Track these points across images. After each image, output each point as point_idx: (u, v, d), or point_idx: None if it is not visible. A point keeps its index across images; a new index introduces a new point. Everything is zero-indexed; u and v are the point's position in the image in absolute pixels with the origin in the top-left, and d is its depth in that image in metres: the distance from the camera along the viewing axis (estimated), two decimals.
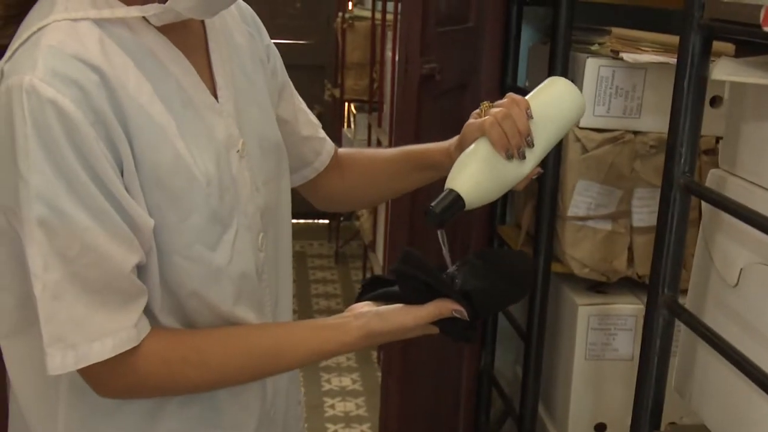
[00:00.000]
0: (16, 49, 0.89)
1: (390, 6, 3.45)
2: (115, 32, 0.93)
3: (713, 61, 1.21)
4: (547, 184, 1.92)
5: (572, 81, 1.92)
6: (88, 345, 0.89)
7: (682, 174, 1.24)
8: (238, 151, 1.03)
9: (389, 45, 3.38)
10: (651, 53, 1.82)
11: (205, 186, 0.96)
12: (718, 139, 1.85)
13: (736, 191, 1.23)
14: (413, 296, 1.03)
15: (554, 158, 1.90)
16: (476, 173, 1.03)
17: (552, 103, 1.11)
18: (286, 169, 1.15)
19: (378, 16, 3.81)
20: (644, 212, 1.93)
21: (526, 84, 2.33)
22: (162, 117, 0.94)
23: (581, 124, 1.89)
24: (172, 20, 0.95)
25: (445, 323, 1.03)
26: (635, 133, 1.90)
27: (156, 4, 0.93)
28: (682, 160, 1.24)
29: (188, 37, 1.01)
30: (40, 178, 0.84)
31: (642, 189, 1.93)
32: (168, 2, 0.92)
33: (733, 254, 1.23)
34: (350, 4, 4.67)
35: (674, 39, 1.25)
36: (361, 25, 4.21)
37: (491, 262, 1.05)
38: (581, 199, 1.91)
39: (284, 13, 5.21)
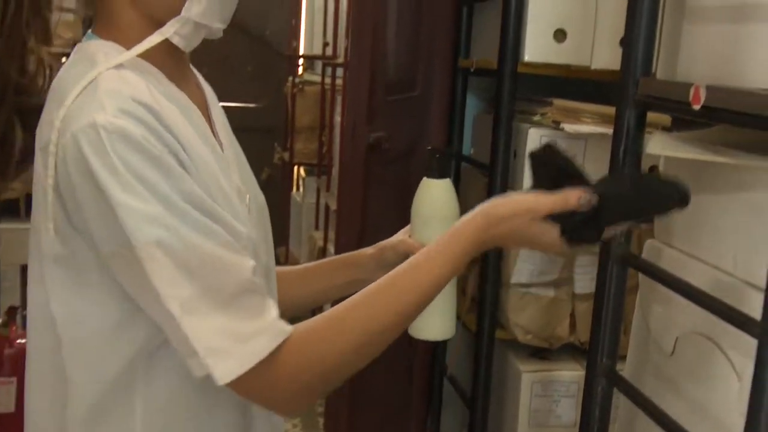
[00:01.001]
0: (69, 104, 0.91)
1: (340, 71, 3.49)
2: (152, 80, 0.96)
3: (650, 132, 1.25)
4: (491, 252, 1.94)
5: (515, 151, 1.97)
6: (242, 347, 0.89)
7: (619, 245, 1.27)
8: (246, 204, 1.04)
9: (339, 110, 3.42)
10: (591, 124, 1.87)
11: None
12: None
13: (672, 262, 1.26)
14: (546, 184, 1.01)
15: None
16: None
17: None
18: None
19: (328, 81, 3.85)
20: (586, 279, 1.96)
21: (472, 151, 2.37)
22: (208, 157, 0.97)
23: None
24: (192, 35, 0.98)
25: (566, 221, 0.99)
26: None
27: (172, 21, 0.96)
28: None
29: (192, 94, 1.04)
30: (141, 202, 0.86)
31: (583, 256, 1.96)
32: (181, 14, 0.95)
33: (668, 323, 1.26)
34: (301, 68, 4.72)
35: (613, 110, 1.29)
36: (311, 89, 4.25)
37: (637, 178, 1.05)
38: (524, 266, 1.93)
39: (236, 76, 5.25)
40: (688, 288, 1.12)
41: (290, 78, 4.57)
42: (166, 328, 0.90)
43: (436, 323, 1.17)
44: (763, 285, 0.90)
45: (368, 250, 1.24)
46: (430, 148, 1.22)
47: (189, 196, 0.89)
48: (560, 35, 1.89)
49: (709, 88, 1.03)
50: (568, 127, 1.84)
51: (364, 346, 0.97)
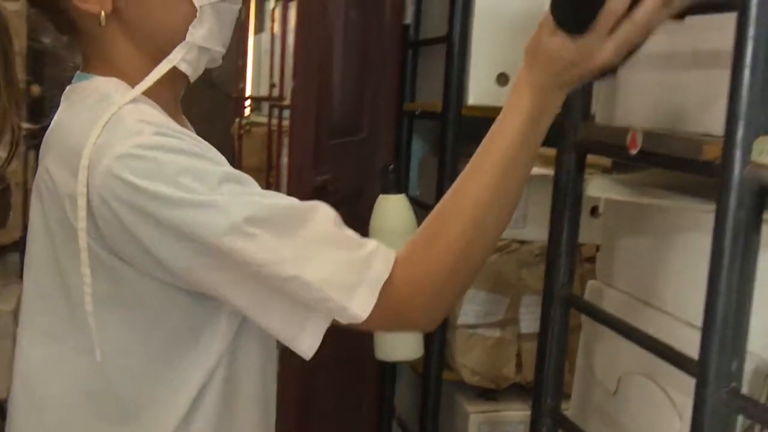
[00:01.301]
0: (95, 141, 0.90)
1: (286, 113, 3.51)
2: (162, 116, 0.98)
3: (591, 173, 1.28)
4: None
5: None
6: (367, 273, 0.89)
7: (562, 286, 1.28)
8: None
9: (285, 151, 3.43)
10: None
11: None
12: (598, 248, 1.93)
13: (613, 302, 1.28)
14: None
15: None
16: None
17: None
18: None
19: (275, 122, 3.86)
20: (531, 319, 1.98)
21: (418, 194, 2.38)
22: None
23: None
24: (197, 61, 1.00)
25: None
26: (521, 242, 1.97)
27: (178, 48, 0.98)
28: (561, 273, 1.28)
29: None
30: (205, 195, 0.86)
31: (528, 296, 1.98)
32: (187, 38, 0.98)
33: (611, 362, 1.28)
34: (248, 110, 4.72)
35: (554, 152, 1.31)
36: (258, 131, 4.25)
37: None
38: (471, 307, 1.95)
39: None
40: (628, 328, 1.14)
41: (237, 119, 4.57)
42: (283, 302, 0.90)
43: (403, 343, 1.18)
44: (700, 324, 0.92)
45: None
46: (384, 165, 1.23)
47: (239, 177, 0.91)
48: (503, 79, 1.93)
49: (646, 134, 1.06)
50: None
51: (471, 232, 0.93)
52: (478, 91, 1.93)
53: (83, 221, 0.90)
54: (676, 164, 1.00)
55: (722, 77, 0.89)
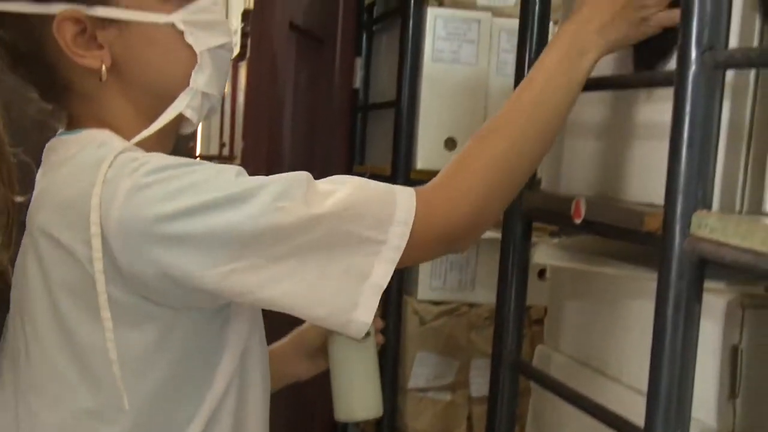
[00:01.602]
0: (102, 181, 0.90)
1: None
2: None
3: (539, 236, 1.30)
4: (388, 357, 1.95)
5: None
6: (393, 209, 0.92)
7: (510, 352, 1.29)
8: None
9: None
10: None
11: None
12: (546, 309, 1.94)
13: (561, 368, 1.29)
14: None
15: (393, 331, 1.94)
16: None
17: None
18: None
19: None
20: (481, 383, 1.98)
21: None
22: None
23: (419, 297, 1.95)
24: (200, 106, 1.03)
25: None
26: (470, 305, 1.98)
27: (183, 95, 1.00)
28: (509, 339, 1.29)
29: None
30: (232, 186, 0.89)
31: (478, 359, 1.98)
32: (191, 84, 1.00)
33: (560, 428, 1.28)
34: None
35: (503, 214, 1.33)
36: None
37: None
38: (421, 370, 1.95)
39: None
40: (575, 395, 1.14)
41: None
42: (330, 278, 0.91)
43: (363, 401, 1.17)
44: (645, 390, 0.93)
45: (282, 341, 1.23)
46: None
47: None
48: (451, 143, 1.95)
49: (589, 203, 1.08)
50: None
51: (509, 153, 1.00)
52: (426, 155, 1.95)
53: (99, 262, 0.89)
54: (618, 234, 1.02)
55: (662, 147, 0.92)
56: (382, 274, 0.92)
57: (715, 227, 0.81)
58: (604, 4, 1.03)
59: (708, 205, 0.86)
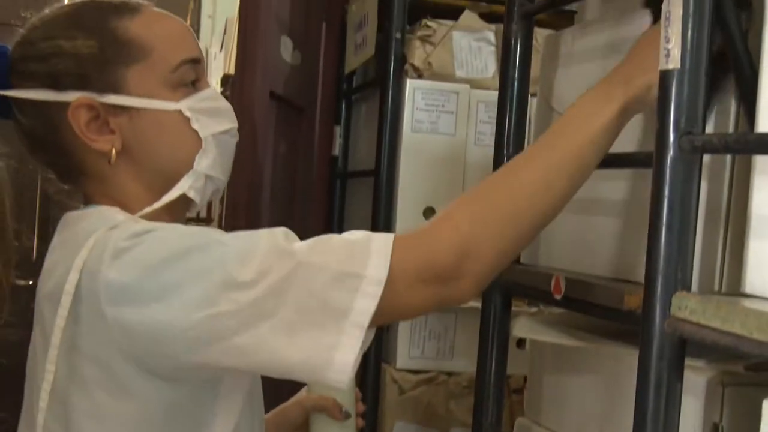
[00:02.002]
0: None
1: None
2: None
3: (518, 306, 1.30)
4: (366, 427, 1.93)
5: (387, 325, 2.00)
6: (368, 244, 0.91)
7: (490, 425, 1.29)
8: None
9: None
10: None
11: None
12: (526, 378, 1.94)
13: None
14: None
15: (372, 400, 1.93)
16: None
17: None
18: None
19: None
20: None
21: None
22: None
23: (397, 366, 1.94)
24: (204, 188, 1.08)
25: None
26: (449, 374, 1.97)
27: (186, 177, 1.06)
28: (489, 411, 1.29)
29: None
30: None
31: (457, 428, 1.97)
32: (194, 167, 1.06)
33: None
34: None
35: None
36: None
37: None
38: None
39: None
40: None
41: None
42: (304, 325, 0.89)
43: None
44: None
45: (265, 416, 1.22)
46: None
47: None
48: (430, 213, 1.97)
49: (569, 280, 1.09)
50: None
51: (539, 186, 0.96)
52: (406, 224, 1.96)
53: (63, 319, 0.92)
54: (598, 311, 1.03)
55: (640, 224, 0.93)
56: (363, 310, 0.88)
57: (696, 309, 0.82)
58: (644, 62, 0.96)
59: (687, 286, 0.87)
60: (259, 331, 0.88)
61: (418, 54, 1.96)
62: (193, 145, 1.06)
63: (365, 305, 0.88)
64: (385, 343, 1.99)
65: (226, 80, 3.13)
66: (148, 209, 1.04)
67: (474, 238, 0.92)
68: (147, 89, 1.04)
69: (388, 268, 0.88)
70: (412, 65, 1.96)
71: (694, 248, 0.88)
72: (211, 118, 1.07)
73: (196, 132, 1.06)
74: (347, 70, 2.29)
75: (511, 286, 1.26)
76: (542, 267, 1.27)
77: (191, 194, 1.07)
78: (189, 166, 1.06)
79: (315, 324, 0.88)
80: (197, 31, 4.37)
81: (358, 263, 0.89)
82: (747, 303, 0.84)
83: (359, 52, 2.13)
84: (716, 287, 0.97)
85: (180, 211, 1.11)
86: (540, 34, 2.07)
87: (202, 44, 4.02)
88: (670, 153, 0.86)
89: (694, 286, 0.92)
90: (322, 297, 0.88)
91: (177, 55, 1.06)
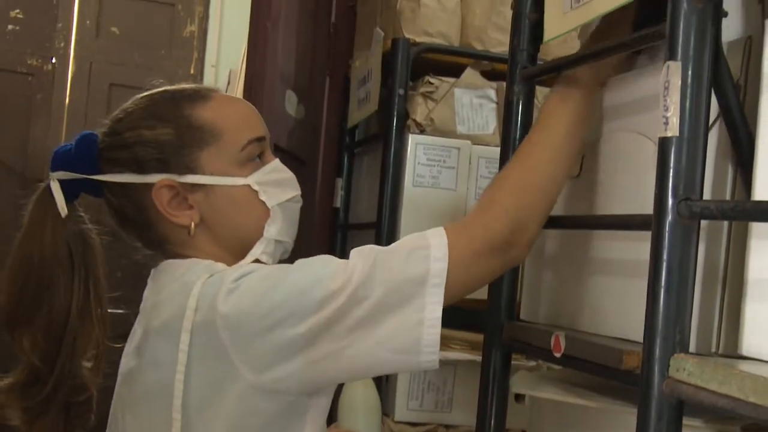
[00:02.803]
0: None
1: None
2: None
3: (518, 359, 1.31)
4: None
5: (387, 376, 2.01)
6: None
7: None
8: None
9: None
10: (460, 351, 1.94)
11: None
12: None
13: None
14: None
15: None
16: None
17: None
18: None
19: None
20: None
21: None
22: None
23: (396, 418, 1.94)
24: (274, 252, 1.21)
25: None
26: (447, 426, 1.97)
27: (258, 243, 1.19)
28: None
29: None
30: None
31: None
32: (264, 234, 1.19)
33: None
34: None
35: (481, 337, 1.35)
36: None
37: None
38: None
39: None
40: None
41: None
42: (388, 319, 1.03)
43: None
44: None
45: None
46: None
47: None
48: None
49: (568, 338, 1.10)
50: (439, 353, 1.90)
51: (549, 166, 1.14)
52: None
53: (184, 354, 1.05)
54: (597, 370, 1.04)
55: (639, 285, 0.95)
56: (438, 272, 1.05)
57: (693, 372, 0.84)
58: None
59: (685, 348, 0.89)
60: (356, 318, 1.02)
61: (420, 110, 2.00)
62: (263, 214, 1.19)
63: (439, 267, 1.04)
64: (383, 394, 1.99)
65: None
66: (247, 260, 1.18)
67: (519, 217, 1.09)
68: (219, 168, 1.17)
69: (448, 246, 1.05)
70: (415, 121, 2.00)
71: (692, 310, 0.90)
72: (276, 188, 1.20)
73: (264, 203, 1.18)
74: (350, 124, 2.32)
75: (512, 343, 1.27)
76: (543, 324, 1.29)
77: (263, 258, 1.19)
78: (260, 232, 1.19)
79: (402, 298, 1.03)
80: (200, 80, 4.42)
81: (422, 242, 1.06)
82: (744, 366, 0.85)
83: (362, 106, 2.16)
84: (714, 348, 0.99)
85: None
86: (541, 92, 2.12)
87: None
88: (669, 218, 0.88)
89: (692, 347, 0.94)
90: (402, 272, 1.04)
91: (244, 135, 1.19)
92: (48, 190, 1.19)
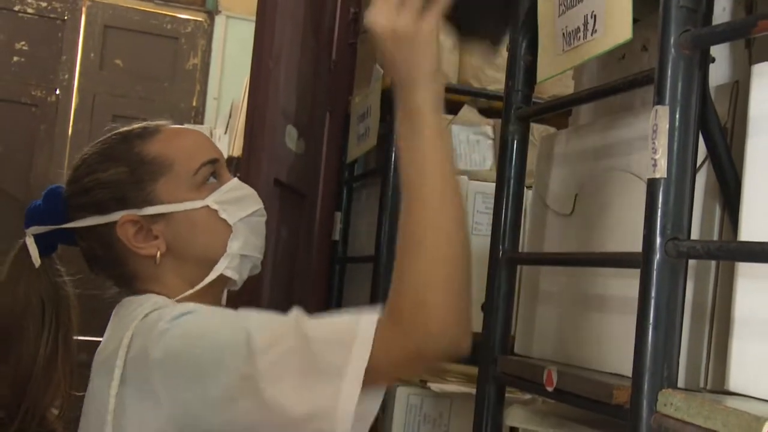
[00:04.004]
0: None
1: None
2: None
3: (512, 392, 1.33)
4: None
5: (383, 408, 2.02)
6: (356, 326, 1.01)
7: None
8: None
9: None
10: (456, 383, 1.95)
11: None
12: None
13: None
14: None
15: None
16: None
17: None
18: None
19: None
20: None
21: None
22: None
23: None
24: (240, 267, 1.23)
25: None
26: None
27: (222, 259, 1.21)
28: None
29: None
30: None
31: None
32: (227, 251, 1.21)
33: None
34: None
35: (476, 370, 1.36)
36: None
37: None
38: None
39: None
40: None
41: None
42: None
43: None
44: None
45: None
46: None
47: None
48: None
49: (560, 373, 1.13)
50: (434, 386, 1.92)
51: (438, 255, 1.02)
52: None
53: (114, 389, 1.08)
54: (589, 405, 1.06)
55: (629, 320, 0.97)
56: (357, 366, 1.00)
57: (680, 407, 0.86)
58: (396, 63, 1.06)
59: (673, 383, 0.91)
60: (275, 387, 1.00)
61: None
62: (225, 232, 1.22)
63: (359, 362, 1.00)
64: (379, 426, 2.00)
65: (230, 162, 3.20)
66: (189, 291, 1.21)
67: (449, 318, 1.01)
68: (176, 195, 1.21)
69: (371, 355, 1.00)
70: None
71: (680, 346, 0.92)
72: (235, 206, 1.23)
73: (225, 221, 1.21)
74: (349, 159, 2.36)
75: (506, 377, 1.29)
76: (536, 359, 1.31)
77: (228, 273, 1.22)
78: (224, 251, 1.21)
79: (320, 377, 1.00)
80: (203, 112, 4.47)
81: (348, 337, 1.01)
82: (730, 401, 0.88)
83: (362, 142, 2.20)
84: (702, 384, 1.01)
85: (219, 291, 1.28)
86: (537, 129, 2.16)
87: (206, 126, 4.12)
88: (657, 257, 0.91)
89: (681, 382, 0.96)
90: (322, 357, 1.01)
91: (195, 160, 1.22)
92: (24, 245, 1.25)
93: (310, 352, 1.01)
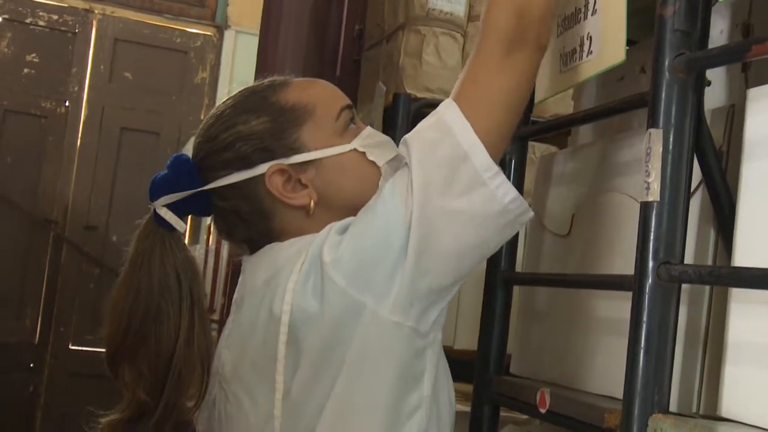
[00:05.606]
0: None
1: (214, 327, 3.52)
2: None
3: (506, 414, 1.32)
4: None
5: None
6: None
7: None
8: None
9: None
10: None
11: None
12: None
13: None
14: None
15: None
16: None
17: None
18: None
19: None
20: None
21: None
22: None
23: None
24: None
25: None
26: None
27: None
28: None
29: None
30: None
31: None
32: None
33: None
34: None
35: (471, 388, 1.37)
36: None
37: None
38: None
39: None
40: None
41: None
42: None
43: None
44: None
45: None
46: None
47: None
48: None
49: (553, 395, 1.12)
50: None
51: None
52: None
53: (287, 315, 1.06)
54: (580, 427, 1.06)
55: (621, 343, 0.97)
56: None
57: None
58: None
59: (664, 409, 0.90)
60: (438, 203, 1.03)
61: None
62: (375, 175, 1.17)
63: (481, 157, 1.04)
64: None
65: None
66: None
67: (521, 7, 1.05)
68: (322, 141, 1.17)
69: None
70: None
71: (671, 371, 0.92)
72: (380, 149, 1.19)
73: (373, 163, 1.17)
74: None
75: (500, 398, 1.29)
76: (530, 380, 1.31)
77: None
78: (372, 193, 1.14)
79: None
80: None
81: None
82: (721, 428, 0.87)
83: None
84: (695, 408, 1.00)
85: None
86: (539, 149, 2.15)
87: None
88: (649, 281, 0.90)
89: (674, 406, 0.96)
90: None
91: (335, 105, 1.19)
92: (153, 220, 1.19)
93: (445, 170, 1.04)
